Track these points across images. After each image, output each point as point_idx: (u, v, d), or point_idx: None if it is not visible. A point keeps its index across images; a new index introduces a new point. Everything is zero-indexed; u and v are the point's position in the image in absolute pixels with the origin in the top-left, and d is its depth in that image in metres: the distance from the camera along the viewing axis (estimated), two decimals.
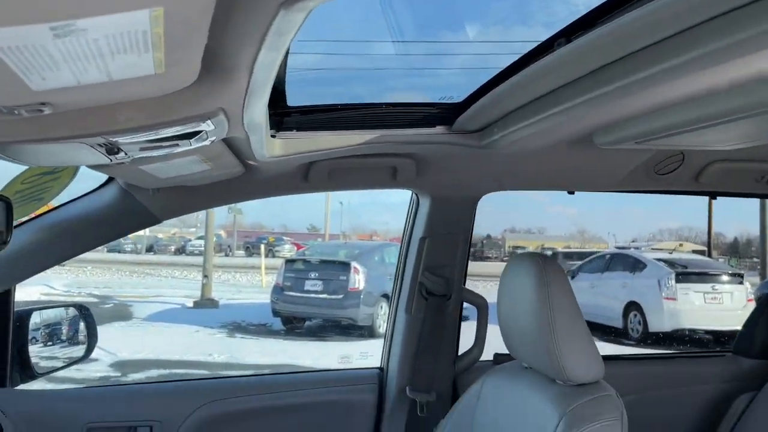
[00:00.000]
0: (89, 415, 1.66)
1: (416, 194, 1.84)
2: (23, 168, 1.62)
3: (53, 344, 1.89)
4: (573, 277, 10.76)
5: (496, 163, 1.63)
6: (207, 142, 0.93)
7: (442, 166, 1.64)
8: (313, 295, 9.96)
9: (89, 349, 1.93)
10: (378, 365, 1.93)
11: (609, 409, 1.20)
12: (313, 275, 10.20)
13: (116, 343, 7.97)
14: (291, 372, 2.07)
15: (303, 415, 1.81)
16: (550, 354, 1.22)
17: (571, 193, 1.81)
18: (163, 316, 11.31)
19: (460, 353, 1.86)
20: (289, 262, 10.89)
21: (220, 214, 25.46)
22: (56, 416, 1.64)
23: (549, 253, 18.30)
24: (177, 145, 0.92)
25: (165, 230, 29.08)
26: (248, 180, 1.47)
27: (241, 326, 10.87)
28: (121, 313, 11.42)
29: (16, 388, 1.66)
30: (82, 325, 1.94)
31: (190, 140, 0.90)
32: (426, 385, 1.76)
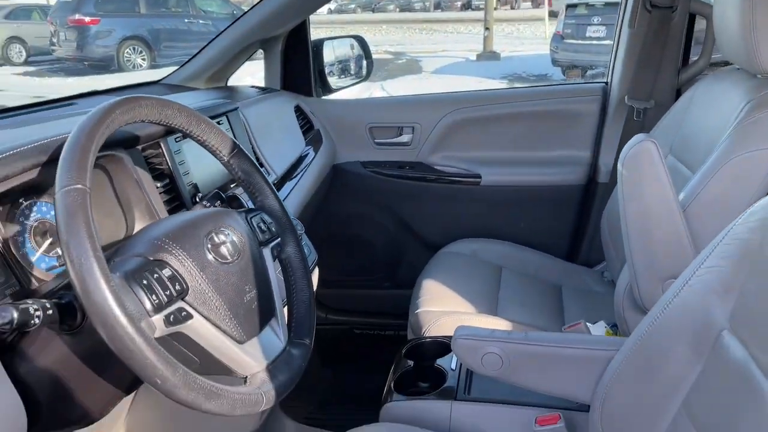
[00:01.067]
0: (369, 118, 2.22)
1: None
2: None
3: (341, 69, 2.46)
4: None
5: None
6: None
7: None
8: (594, 42, 9.57)
9: (368, 72, 2.46)
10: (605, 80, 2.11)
11: None
12: (595, 20, 9.67)
13: (408, 92, 9.00)
14: (526, 86, 2.35)
15: (534, 122, 2.13)
16: (747, 47, 1.27)
17: None
18: (448, 69, 12.09)
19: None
20: (571, 7, 10.35)
21: None
22: (347, 119, 2.24)
23: None
24: None
25: None
26: None
27: (521, 77, 11.13)
28: (412, 68, 12.49)
29: (319, 98, 2.28)
30: (361, 53, 2.46)
31: None
32: (645, 95, 1.91)
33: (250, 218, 0.96)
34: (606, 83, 2.09)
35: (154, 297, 0.74)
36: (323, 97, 2.29)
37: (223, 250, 0.84)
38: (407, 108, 2.24)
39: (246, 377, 0.82)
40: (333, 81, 2.33)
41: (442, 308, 1.62)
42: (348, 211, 2.27)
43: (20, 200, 0.95)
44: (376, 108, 2.27)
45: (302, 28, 2.12)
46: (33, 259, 0.94)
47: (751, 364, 0.79)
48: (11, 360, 0.81)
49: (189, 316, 0.77)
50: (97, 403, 0.86)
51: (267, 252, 0.96)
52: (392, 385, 1.33)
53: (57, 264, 0.99)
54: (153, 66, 12.70)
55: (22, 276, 0.91)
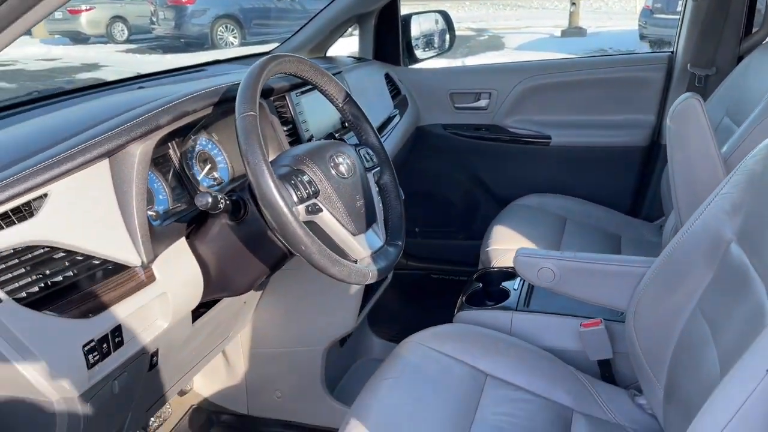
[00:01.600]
0: (451, 84, 2.48)
1: None
2: None
3: (427, 41, 2.72)
4: None
5: None
6: None
7: None
8: None
9: (451, 44, 2.72)
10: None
11: None
12: None
13: None
14: (594, 55, 2.52)
15: (602, 88, 2.33)
16: None
17: None
18: (531, 45, 12.03)
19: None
20: None
21: None
22: (431, 85, 2.50)
23: None
24: None
25: None
26: None
27: (606, 53, 10.96)
28: (494, 44, 12.51)
29: (406, 67, 2.56)
30: (445, 27, 2.71)
31: None
32: (707, 62, 2.07)
33: (358, 150, 1.26)
34: (672, 52, 2.26)
35: (298, 192, 1.05)
36: (410, 66, 2.56)
37: (342, 168, 1.15)
38: (485, 75, 2.48)
39: (356, 260, 1.13)
40: (419, 52, 2.60)
41: (509, 247, 1.88)
42: (429, 169, 2.55)
43: (189, 135, 1.29)
44: (457, 76, 2.53)
45: (393, 4, 2.40)
46: (199, 177, 1.28)
47: (749, 267, 1.01)
48: (193, 243, 1.15)
49: (320, 210, 1.08)
50: (249, 277, 1.20)
51: (370, 176, 1.26)
52: (463, 299, 1.61)
53: (215, 183, 1.33)
54: (243, 44, 13.30)
55: (192, 190, 1.25)
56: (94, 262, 0.99)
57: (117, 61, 12.45)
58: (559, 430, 1.24)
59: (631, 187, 2.35)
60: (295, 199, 1.04)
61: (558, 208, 2.19)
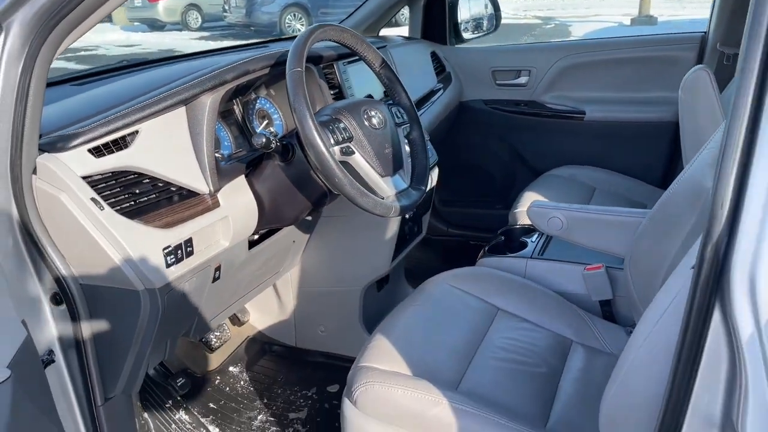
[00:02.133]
0: (493, 62, 2.66)
1: None
2: None
3: (474, 23, 2.90)
4: None
5: None
6: None
7: None
8: None
9: (496, 26, 2.88)
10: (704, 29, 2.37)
11: None
12: None
13: None
14: (628, 36, 2.62)
15: (635, 66, 2.45)
16: None
17: None
18: (599, 34, 11.84)
19: None
20: None
21: None
22: (474, 63, 2.68)
23: None
24: None
25: None
26: None
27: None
28: (560, 33, 12.40)
29: (453, 46, 2.74)
30: (492, 11, 2.88)
31: None
32: (736, 42, 2.17)
33: (390, 107, 1.48)
34: (705, 32, 2.36)
35: (335, 136, 1.28)
36: (456, 46, 2.75)
37: (374, 120, 1.37)
38: (525, 54, 2.64)
39: (383, 197, 1.35)
40: (466, 34, 2.79)
41: None
42: (470, 141, 2.74)
43: (251, 94, 1.54)
44: (499, 54, 2.70)
45: None
46: (258, 130, 1.53)
47: None
48: (251, 180, 1.40)
49: (353, 152, 1.30)
50: (295, 211, 1.44)
51: (400, 131, 1.47)
52: (486, 249, 1.81)
53: (270, 135, 1.57)
54: None
55: (251, 140, 1.50)
56: (172, 188, 1.25)
57: (191, 47, 13.06)
58: (558, 355, 1.42)
59: (661, 160, 2.47)
60: (332, 141, 1.27)
61: (588, 178, 2.34)
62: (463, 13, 2.82)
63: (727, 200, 0.68)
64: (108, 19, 17.86)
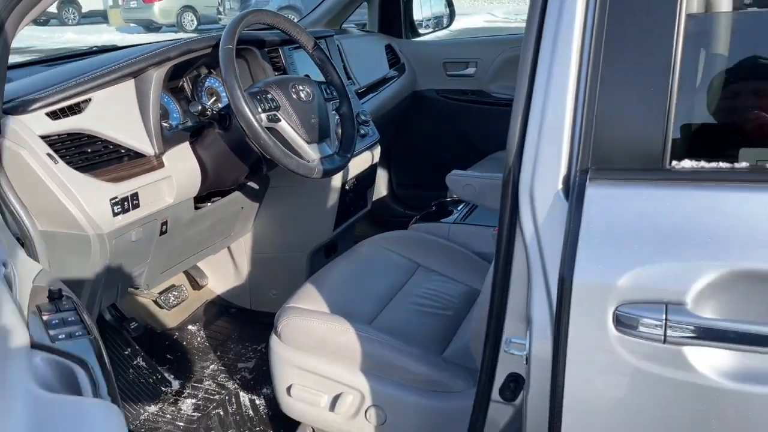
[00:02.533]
0: (444, 55, 2.86)
1: None
2: None
3: (428, 19, 3.10)
4: None
5: None
6: None
7: None
8: None
9: (449, 22, 3.09)
10: None
11: None
12: None
13: None
14: None
15: None
16: None
17: None
18: None
19: None
20: None
21: None
22: (427, 55, 2.89)
23: None
24: None
25: None
26: None
27: None
28: None
29: (409, 39, 2.95)
30: (445, 7, 3.09)
31: None
32: None
33: (320, 85, 1.68)
34: None
35: (262, 105, 1.48)
36: (412, 39, 2.95)
37: (301, 94, 1.57)
38: (472, 47, 2.85)
39: (308, 161, 1.55)
40: (421, 29, 2.99)
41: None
42: (424, 128, 2.94)
43: (200, 73, 1.73)
44: (449, 47, 2.90)
45: None
46: (206, 106, 1.73)
47: None
48: (194, 146, 1.60)
49: (279, 120, 1.50)
50: (234, 175, 1.64)
51: (329, 105, 1.67)
52: (418, 217, 2.01)
53: (207, 106, 1.77)
54: None
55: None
56: (121, 149, 1.45)
57: None
58: (465, 302, 1.62)
59: None
60: (260, 109, 1.47)
61: None
62: (419, 11, 3.03)
63: (515, 139, 0.89)
64: (103, 20, 18.09)
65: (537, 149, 0.88)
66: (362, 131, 1.98)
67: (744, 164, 0.74)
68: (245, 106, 1.40)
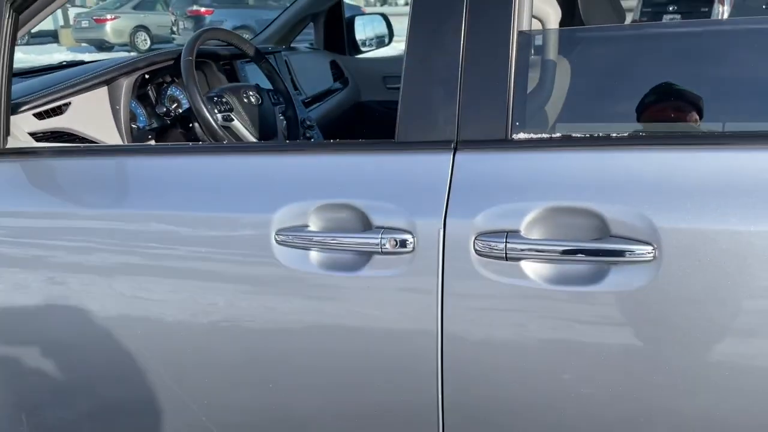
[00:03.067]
0: (384, 70, 3.18)
1: None
2: None
3: (369, 38, 3.43)
4: None
5: None
6: None
7: None
8: None
9: (389, 41, 3.42)
10: None
11: None
12: (671, 8, 9.87)
13: None
14: None
15: None
16: None
17: None
18: None
19: None
20: None
21: None
22: (367, 70, 3.20)
23: None
24: None
25: None
26: None
27: None
28: None
29: (352, 56, 3.26)
30: (384, 28, 3.42)
31: None
32: None
33: (269, 92, 1.97)
34: None
35: (218, 108, 1.76)
36: (354, 56, 3.27)
37: (251, 98, 1.85)
38: None
39: None
40: (362, 46, 3.31)
41: None
42: (367, 135, 3.23)
43: (165, 82, 2.00)
44: (388, 63, 3.23)
45: (338, 7, 3.11)
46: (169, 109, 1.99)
47: None
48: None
49: (232, 119, 1.78)
50: None
51: (276, 109, 1.96)
52: None
53: (171, 108, 2.03)
54: None
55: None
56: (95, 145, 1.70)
57: None
58: None
59: None
60: (216, 111, 1.75)
61: None
62: (362, 31, 3.35)
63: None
64: (54, 39, 17.96)
65: None
66: (308, 134, 2.27)
67: (558, 134, 1.06)
68: (203, 107, 1.67)
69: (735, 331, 0.94)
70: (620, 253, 0.96)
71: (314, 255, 1.11)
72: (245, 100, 1.83)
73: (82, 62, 2.25)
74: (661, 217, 0.94)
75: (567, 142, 1.03)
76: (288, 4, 3.12)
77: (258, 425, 1.24)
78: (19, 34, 1.42)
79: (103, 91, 1.74)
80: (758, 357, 0.94)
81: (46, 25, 19.25)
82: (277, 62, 2.51)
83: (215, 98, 1.78)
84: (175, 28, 14.59)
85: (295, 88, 2.58)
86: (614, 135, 1.01)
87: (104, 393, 1.30)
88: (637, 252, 0.95)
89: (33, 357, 1.28)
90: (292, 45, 3.09)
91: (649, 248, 0.94)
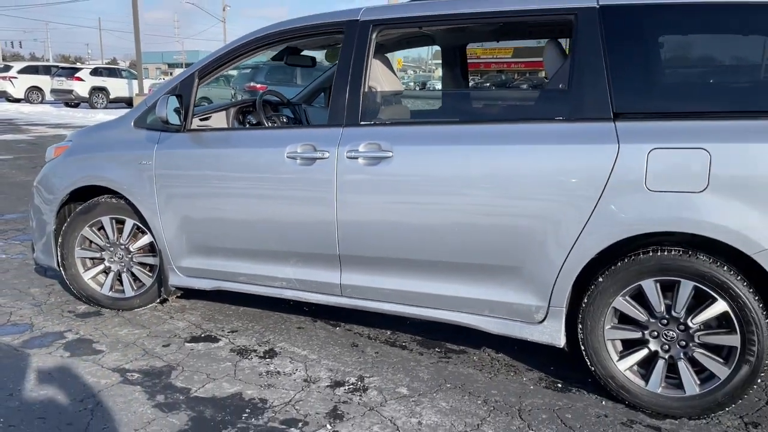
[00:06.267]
0: None
1: None
2: None
3: None
4: None
5: None
6: None
7: None
8: None
9: None
10: None
11: None
12: None
13: None
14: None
15: None
16: None
17: None
18: None
19: None
20: None
21: None
22: None
23: None
24: None
25: None
26: None
27: None
28: None
29: None
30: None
31: None
32: None
33: (289, 118, 4.42)
34: None
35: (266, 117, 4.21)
36: None
37: (281, 118, 4.30)
38: None
39: None
40: None
41: None
42: None
43: (247, 112, 4.49)
44: None
45: None
46: None
47: None
48: None
49: (274, 121, 4.23)
50: None
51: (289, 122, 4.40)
52: None
53: None
54: None
55: None
56: None
57: None
58: None
59: None
60: (264, 118, 4.18)
61: None
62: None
63: None
64: (128, 105, 20.84)
65: None
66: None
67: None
68: (263, 118, 4.10)
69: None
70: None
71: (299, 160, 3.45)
72: (276, 118, 4.26)
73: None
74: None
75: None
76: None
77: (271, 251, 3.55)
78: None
79: (224, 113, 4.18)
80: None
81: (123, 92, 22.65)
82: (299, 109, 4.96)
83: (267, 116, 4.21)
84: (233, 101, 17.18)
85: (307, 122, 5.01)
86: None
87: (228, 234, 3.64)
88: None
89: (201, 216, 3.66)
90: (312, 103, 5.56)
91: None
